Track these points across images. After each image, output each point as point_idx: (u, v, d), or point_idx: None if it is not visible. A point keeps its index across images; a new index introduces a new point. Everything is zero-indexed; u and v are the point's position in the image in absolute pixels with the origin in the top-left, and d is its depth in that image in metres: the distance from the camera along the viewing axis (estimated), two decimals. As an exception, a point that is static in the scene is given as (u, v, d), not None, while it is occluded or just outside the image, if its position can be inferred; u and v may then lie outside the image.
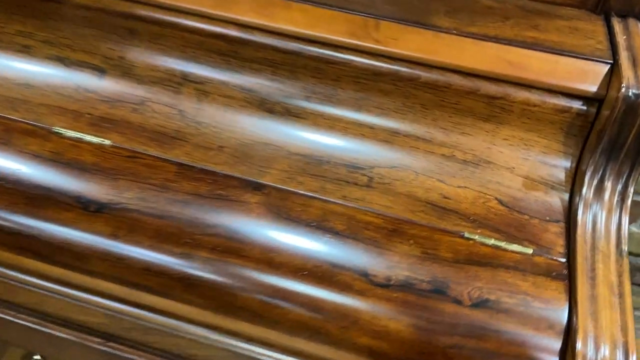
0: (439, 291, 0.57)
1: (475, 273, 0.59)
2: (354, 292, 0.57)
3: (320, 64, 0.70)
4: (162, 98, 0.74)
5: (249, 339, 0.62)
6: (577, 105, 0.65)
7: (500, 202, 0.66)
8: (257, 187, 0.66)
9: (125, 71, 0.74)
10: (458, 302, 0.56)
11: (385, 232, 0.62)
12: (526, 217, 0.64)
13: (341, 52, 0.69)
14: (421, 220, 0.63)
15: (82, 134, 0.69)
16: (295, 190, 0.66)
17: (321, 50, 0.70)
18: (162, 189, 0.64)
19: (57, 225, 0.62)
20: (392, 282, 0.58)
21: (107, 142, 0.69)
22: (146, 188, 0.64)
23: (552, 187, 0.67)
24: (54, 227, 0.62)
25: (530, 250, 0.61)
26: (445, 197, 0.66)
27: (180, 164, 0.67)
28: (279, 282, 0.58)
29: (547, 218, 0.64)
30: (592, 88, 0.64)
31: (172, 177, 0.66)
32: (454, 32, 0.68)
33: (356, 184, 0.67)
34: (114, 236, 0.61)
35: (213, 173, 0.67)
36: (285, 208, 0.63)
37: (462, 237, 0.62)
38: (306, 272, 0.58)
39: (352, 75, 0.70)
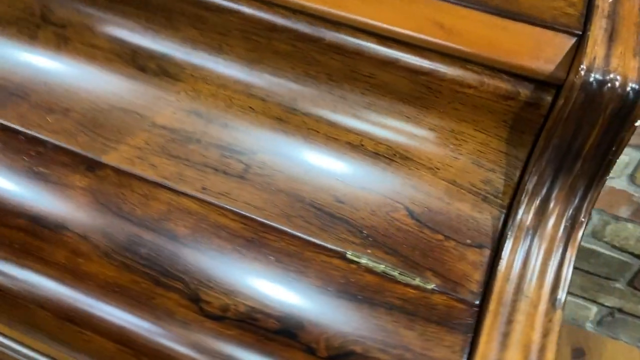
0: (287, 333, 0.42)
1: (345, 311, 0.43)
2: (177, 322, 0.42)
3: (201, 10, 0.54)
4: (14, 43, 0.58)
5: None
6: (526, 90, 0.47)
7: (411, 213, 0.49)
8: (92, 167, 0.50)
9: None
10: (310, 350, 0.41)
11: (240, 241, 0.46)
12: (440, 237, 0.48)
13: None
14: (296, 229, 0.47)
15: None
16: (142, 175, 0.50)
17: None
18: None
19: None
20: (228, 314, 0.42)
21: None
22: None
23: (484, 200, 0.50)
24: None
25: (431, 285, 0.45)
26: (339, 201, 0.50)
27: (6, 128, 0.52)
28: (82, 299, 0.43)
29: (468, 241, 0.47)
30: (549, 68, 0.45)
31: (-15, 144, 0.51)
32: (371, -22, 0.50)
33: (226, 172, 0.51)
34: None
35: (42, 143, 0.52)
36: (117, 198, 0.48)
37: (344, 257, 0.46)
38: (118, 289, 0.43)
39: (242, 29, 0.53)
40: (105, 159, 0.51)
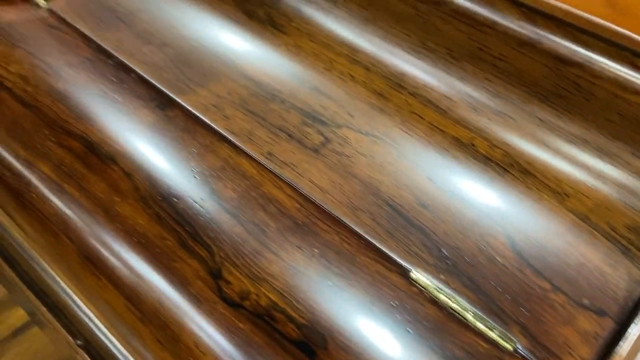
0: (305, 347, 0.33)
1: (385, 343, 0.33)
2: (189, 296, 0.36)
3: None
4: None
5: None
6: None
7: (513, 244, 0.37)
8: (164, 105, 0.46)
9: None
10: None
11: (287, 222, 0.38)
12: (546, 284, 0.35)
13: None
14: (358, 225, 0.38)
15: (25, -11, 0.55)
16: (211, 124, 0.45)
17: None
18: (60, 68, 0.48)
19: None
20: (245, 303, 0.35)
21: (43, 4, 0.54)
22: (43, 64, 0.49)
23: (624, 252, 0.35)
24: None
25: (513, 344, 0.32)
26: (422, 205, 0.39)
27: (101, 49, 0.50)
28: (106, 241, 0.39)
29: (585, 301, 0.34)
30: None
31: (82, 58, 0.49)
32: None
33: (301, 142, 0.43)
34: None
35: (128, 71, 0.49)
36: (176, 142, 0.43)
37: (406, 276, 0.36)
38: (143, 241, 0.38)
39: (360, -18, 0.45)
40: (181, 98, 0.46)
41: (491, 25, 0.39)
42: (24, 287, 0.49)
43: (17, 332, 0.89)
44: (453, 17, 0.40)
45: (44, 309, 0.49)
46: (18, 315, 0.89)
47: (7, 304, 0.91)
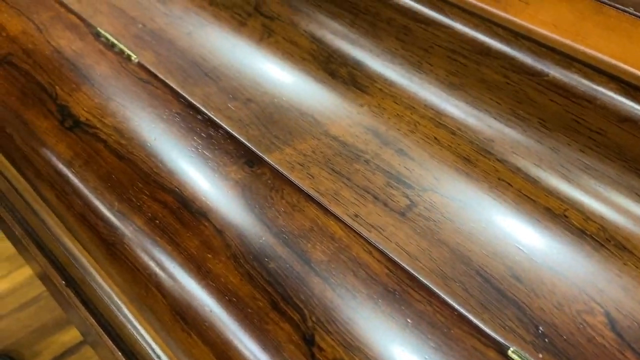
0: None
1: None
2: (282, 359, 0.36)
3: (409, 21, 0.48)
4: (223, 27, 0.59)
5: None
6: None
7: (612, 323, 0.36)
8: (252, 162, 0.47)
9: (202, -10, 0.61)
10: None
11: (378, 289, 0.38)
12: (650, 370, 0.34)
13: (439, 11, 0.45)
14: (450, 295, 0.38)
15: (118, 42, 0.59)
16: (297, 183, 0.45)
17: (412, 3, 0.47)
18: (152, 122, 0.50)
19: (35, 131, 0.53)
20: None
21: (134, 58, 0.57)
22: (137, 117, 0.51)
23: None
24: (31, 131, 0.53)
25: None
26: (515, 277, 0.39)
27: (190, 105, 0.52)
28: (199, 297, 0.40)
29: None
30: None
31: (172, 113, 0.51)
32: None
33: (386, 204, 0.44)
34: (68, 163, 0.49)
35: (216, 127, 0.50)
36: (264, 200, 0.44)
37: (504, 353, 0.35)
38: (235, 300, 0.38)
39: (449, 48, 0.46)
40: (267, 156, 0.48)
41: (590, 100, 0.38)
42: (103, 334, 0.50)
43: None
44: (548, 88, 0.40)
45: (120, 355, 0.50)
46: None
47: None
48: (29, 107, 0.54)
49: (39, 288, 0.96)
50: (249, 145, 0.49)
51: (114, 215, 0.45)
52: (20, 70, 0.57)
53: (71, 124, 0.52)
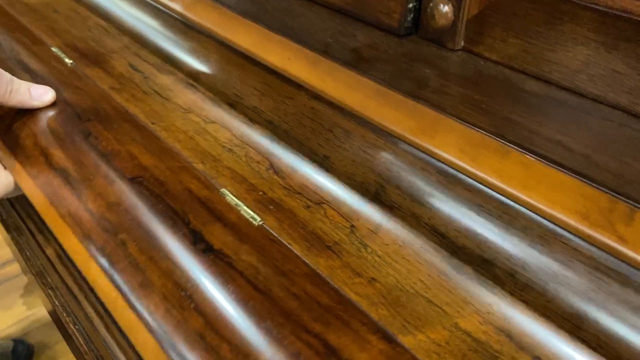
0: None
1: None
2: None
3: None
4: (343, 207, 0.63)
5: None
6: None
7: None
8: (389, 339, 0.46)
9: (326, 168, 0.66)
10: None
11: None
12: None
13: (566, 231, 0.50)
14: None
15: (242, 204, 0.61)
16: (437, 372, 0.44)
17: (536, 217, 0.51)
18: (274, 277, 0.50)
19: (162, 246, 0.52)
20: None
21: (258, 220, 0.59)
22: (260, 270, 0.51)
23: None
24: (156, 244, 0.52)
25: None
26: None
27: (315, 273, 0.53)
28: None
29: None
30: None
31: (295, 278, 0.51)
32: None
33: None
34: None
35: (344, 300, 0.50)
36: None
37: None
38: None
39: (586, 263, 0.49)
40: (401, 339, 0.47)
41: None
42: None
43: None
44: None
45: None
46: None
47: None
48: (159, 222, 0.54)
49: None
50: (380, 324, 0.48)
51: None
52: (150, 192, 0.58)
53: (204, 247, 0.52)
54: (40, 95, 0.73)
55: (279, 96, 0.73)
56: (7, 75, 0.70)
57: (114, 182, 0.62)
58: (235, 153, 0.71)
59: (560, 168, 0.53)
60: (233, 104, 0.77)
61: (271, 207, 0.63)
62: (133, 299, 0.51)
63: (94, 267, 0.55)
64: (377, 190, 0.63)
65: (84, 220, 0.59)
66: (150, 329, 0.48)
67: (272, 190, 0.66)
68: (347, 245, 0.58)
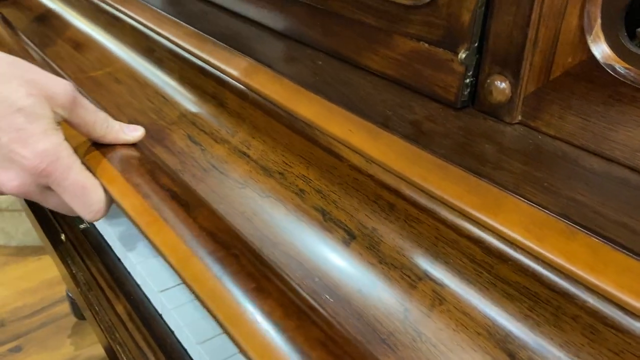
0: None
1: None
2: None
3: (597, 323, 0.51)
4: (394, 289, 0.63)
5: None
6: None
7: None
8: None
9: (372, 244, 0.67)
10: None
11: None
12: None
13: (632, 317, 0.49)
14: None
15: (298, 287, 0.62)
16: None
17: (604, 307, 0.50)
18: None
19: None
20: None
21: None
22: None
23: None
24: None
25: None
26: None
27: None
28: None
29: None
30: None
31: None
32: None
33: None
34: None
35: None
36: None
37: None
38: None
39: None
40: None
41: None
42: None
43: None
44: None
45: None
46: None
47: None
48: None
49: None
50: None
51: None
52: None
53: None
54: (132, 131, 0.78)
55: (324, 165, 0.75)
56: (103, 113, 0.76)
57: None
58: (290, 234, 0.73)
59: (627, 252, 0.53)
60: (283, 173, 0.79)
61: (322, 291, 0.64)
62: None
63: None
64: (424, 270, 0.63)
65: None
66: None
67: (328, 276, 0.66)
68: (401, 334, 0.57)
